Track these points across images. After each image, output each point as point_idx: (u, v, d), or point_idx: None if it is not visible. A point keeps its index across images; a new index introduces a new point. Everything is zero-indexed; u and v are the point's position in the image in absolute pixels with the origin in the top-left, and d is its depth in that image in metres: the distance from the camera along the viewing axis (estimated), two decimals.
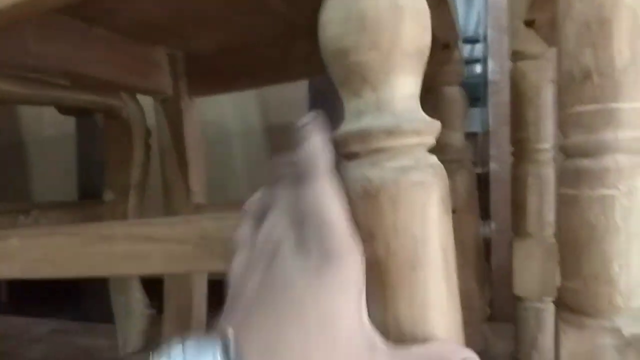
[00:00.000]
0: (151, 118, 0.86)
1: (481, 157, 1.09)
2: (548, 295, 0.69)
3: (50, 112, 1.21)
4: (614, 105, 0.32)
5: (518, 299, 0.71)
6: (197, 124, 0.84)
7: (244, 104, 1.11)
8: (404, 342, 0.28)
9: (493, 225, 1.01)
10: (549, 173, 0.68)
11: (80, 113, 0.87)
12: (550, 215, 0.68)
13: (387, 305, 0.29)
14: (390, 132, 0.28)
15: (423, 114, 0.30)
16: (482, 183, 0.98)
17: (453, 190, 0.73)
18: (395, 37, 0.28)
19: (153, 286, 0.88)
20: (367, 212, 0.29)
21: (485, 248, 1.00)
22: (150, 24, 0.65)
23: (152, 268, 0.37)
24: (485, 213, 1.01)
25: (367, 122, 0.29)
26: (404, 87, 0.29)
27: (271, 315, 0.26)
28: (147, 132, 0.85)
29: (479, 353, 0.85)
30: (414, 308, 0.28)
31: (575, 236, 0.33)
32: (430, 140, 0.30)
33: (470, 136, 1.07)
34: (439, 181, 0.29)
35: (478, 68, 1.48)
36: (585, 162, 0.32)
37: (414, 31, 0.28)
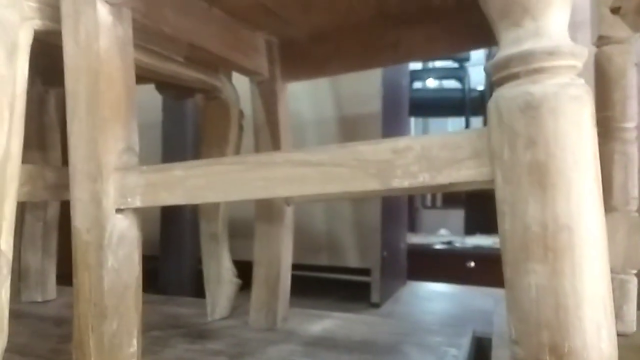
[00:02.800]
0: (243, 102, 0.92)
1: None
2: (632, 267, 0.71)
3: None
4: None
5: None
6: (288, 106, 0.90)
7: (318, 95, 1.17)
8: (561, 234, 0.32)
9: None
10: (634, 150, 0.71)
11: (178, 95, 0.93)
12: (635, 191, 0.71)
13: (547, 203, 0.33)
14: (551, 53, 0.33)
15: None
16: None
17: None
18: None
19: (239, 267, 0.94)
20: (528, 122, 0.33)
21: None
22: (258, 2, 0.72)
23: (310, 189, 0.42)
24: None
25: (529, 45, 0.34)
26: (560, 17, 0.34)
27: None
28: (241, 114, 0.91)
29: None
30: (571, 203, 0.32)
31: None
32: (580, 63, 0.34)
33: None
34: (590, 99, 0.34)
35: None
36: None
37: None
